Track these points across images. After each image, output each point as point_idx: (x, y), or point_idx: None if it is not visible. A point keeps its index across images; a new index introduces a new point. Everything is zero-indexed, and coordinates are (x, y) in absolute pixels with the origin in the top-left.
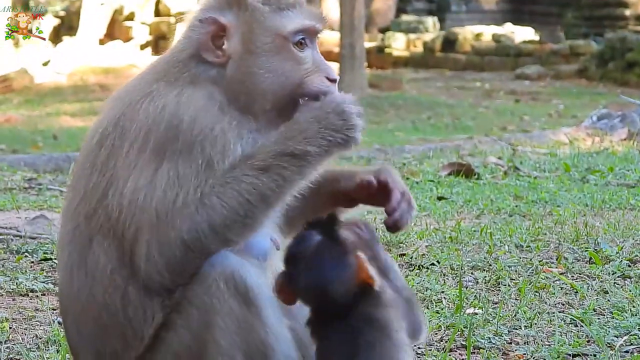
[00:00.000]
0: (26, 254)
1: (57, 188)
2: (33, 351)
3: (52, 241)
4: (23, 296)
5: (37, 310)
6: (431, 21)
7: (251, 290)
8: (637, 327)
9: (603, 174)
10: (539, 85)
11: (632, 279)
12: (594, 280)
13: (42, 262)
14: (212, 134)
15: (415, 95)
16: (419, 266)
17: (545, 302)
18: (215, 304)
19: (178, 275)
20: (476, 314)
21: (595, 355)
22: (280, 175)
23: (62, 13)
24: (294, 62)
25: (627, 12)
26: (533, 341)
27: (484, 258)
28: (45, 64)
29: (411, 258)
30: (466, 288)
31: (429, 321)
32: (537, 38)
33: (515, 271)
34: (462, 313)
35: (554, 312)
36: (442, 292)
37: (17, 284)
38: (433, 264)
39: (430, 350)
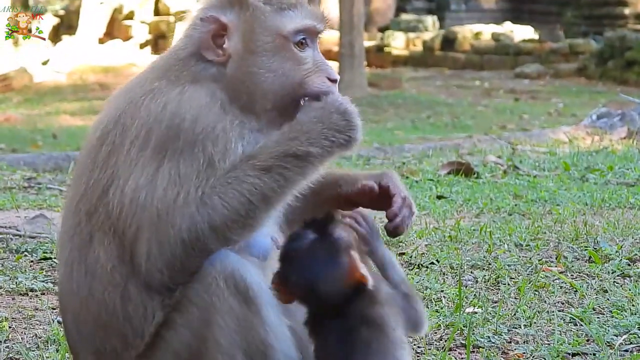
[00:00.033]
0: (26, 253)
1: (57, 187)
2: (33, 350)
3: (52, 240)
4: (22, 295)
5: (37, 309)
6: (430, 20)
7: (251, 289)
8: (637, 326)
9: (602, 173)
10: (538, 84)
11: (632, 278)
12: (594, 279)
13: (42, 261)
14: (213, 133)
15: (415, 94)
16: (418, 265)
17: (545, 301)
18: (215, 303)
19: (178, 274)
20: (476, 313)
21: (594, 354)
22: (282, 176)
23: (61, 12)
24: (294, 62)
25: (627, 11)
26: (532, 340)
27: (484, 257)
28: (44, 63)
29: (411, 257)
30: (466, 287)
31: (428, 320)
32: (536, 37)
33: (515, 270)
34: (461, 312)
35: (553, 311)
36: (442, 291)
37: (16, 283)
38: (432, 263)
39: (430, 349)
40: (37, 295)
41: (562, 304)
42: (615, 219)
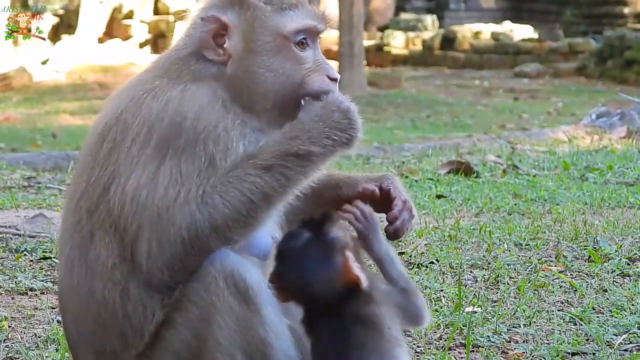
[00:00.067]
0: (25, 252)
1: (56, 187)
2: (32, 350)
3: (51, 240)
4: (22, 295)
5: (36, 309)
6: (430, 19)
7: (251, 288)
8: (636, 326)
9: (602, 172)
10: (537, 83)
11: (631, 277)
12: (593, 278)
13: (41, 260)
14: (215, 131)
15: (414, 93)
16: (418, 264)
17: (545, 301)
18: (215, 302)
19: (178, 273)
20: (475, 312)
21: (594, 354)
22: (283, 175)
23: (61, 11)
24: (294, 62)
25: (626, 10)
26: (532, 339)
27: (483, 256)
28: (44, 63)
29: (410, 256)
30: (465, 286)
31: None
32: (536, 36)
33: (515, 269)
34: (461, 311)
35: (553, 311)
36: (441, 290)
37: (16, 282)
38: (432, 262)
39: (430, 348)
40: (36, 294)
41: (562, 303)
42: (614, 219)
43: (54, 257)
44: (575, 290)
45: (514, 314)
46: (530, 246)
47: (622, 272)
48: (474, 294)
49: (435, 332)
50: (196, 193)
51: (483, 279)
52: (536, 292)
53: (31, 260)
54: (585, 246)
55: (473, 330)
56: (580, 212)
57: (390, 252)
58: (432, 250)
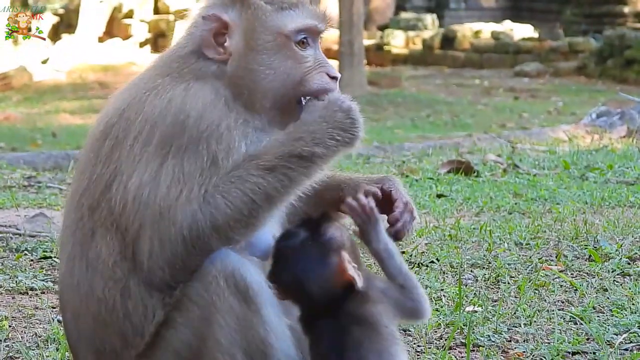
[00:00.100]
0: (25, 252)
1: (57, 186)
2: (32, 349)
3: (52, 239)
4: (22, 294)
5: (37, 308)
6: (430, 19)
7: (251, 288)
8: (637, 325)
9: (602, 172)
10: (538, 82)
11: (632, 277)
12: (594, 277)
13: (42, 260)
14: (218, 130)
15: (414, 92)
16: (418, 264)
17: (545, 300)
18: (215, 301)
19: (179, 272)
20: (476, 311)
21: (594, 353)
22: (286, 176)
23: (61, 11)
24: (295, 60)
25: (626, 10)
26: (532, 339)
27: (484, 256)
28: (44, 62)
29: (410, 256)
30: (466, 286)
31: (429, 319)
32: (536, 35)
33: (515, 269)
34: (461, 311)
35: (553, 310)
36: (442, 289)
37: (16, 282)
38: (432, 261)
39: (430, 348)
40: (37, 294)
41: (562, 302)
42: (615, 218)
43: (55, 257)
44: (576, 290)
45: (515, 313)
46: (531, 245)
47: (623, 272)
48: (475, 293)
49: (435, 332)
50: (198, 192)
51: (483, 278)
52: (536, 292)
53: (31, 260)
54: (585, 245)
55: (473, 329)
56: (581, 211)
57: (390, 247)
58: (432, 249)
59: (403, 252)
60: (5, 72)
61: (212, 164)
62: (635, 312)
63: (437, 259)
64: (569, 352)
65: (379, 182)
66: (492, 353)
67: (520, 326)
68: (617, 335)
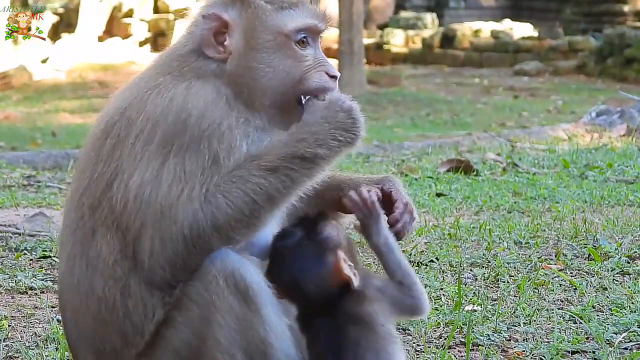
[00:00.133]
0: (25, 251)
1: (56, 185)
2: (32, 349)
3: (51, 238)
4: (22, 294)
5: (36, 308)
6: (430, 17)
7: (251, 288)
8: (636, 324)
9: (602, 170)
10: (537, 81)
11: (631, 276)
12: (593, 276)
13: (41, 259)
14: (219, 130)
15: (414, 91)
16: (417, 263)
17: (544, 299)
18: (215, 301)
19: (180, 271)
20: (475, 310)
21: (594, 352)
22: (288, 177)
23: (60, 10)
24: (294, 59)
25: (626, 8)
26: (532, 338)
27: (483, 255)
28: (44, 61)
29: (410, 255)
30: (465, 285)
31: (428, 318)
32: (535, 34)
33: (514, 268)
34: (461, 310)
35: (553, 309)
36: (441, 289)
37: (16, 281)
38: (432, 260)
39: (429, 347)
40: (36, 293)
41: (562, 301)
42: (614, 217)
43: (54, 256)
44: (575, 289)
45: (514, 312)
46: (530, 244)
47: (622, 270)
48: (474, 293)
49: (435, 331)
50: (199, 192)
51: (483, 278)
52: (536, 291)
53: (31, 259)
54: (585, 244)
55: (473, 328)
56: (580, 210)
57: (390, 242)
58: (432, 248)
59: (403, 251)
60: (5, 72)
61: (214, 163)
62: (635, 311)
63: (436, 258)
64: (569, 351)
65: (379, 182)
66: (491, 352)
67: (520, 325)
68: (616, 334)
